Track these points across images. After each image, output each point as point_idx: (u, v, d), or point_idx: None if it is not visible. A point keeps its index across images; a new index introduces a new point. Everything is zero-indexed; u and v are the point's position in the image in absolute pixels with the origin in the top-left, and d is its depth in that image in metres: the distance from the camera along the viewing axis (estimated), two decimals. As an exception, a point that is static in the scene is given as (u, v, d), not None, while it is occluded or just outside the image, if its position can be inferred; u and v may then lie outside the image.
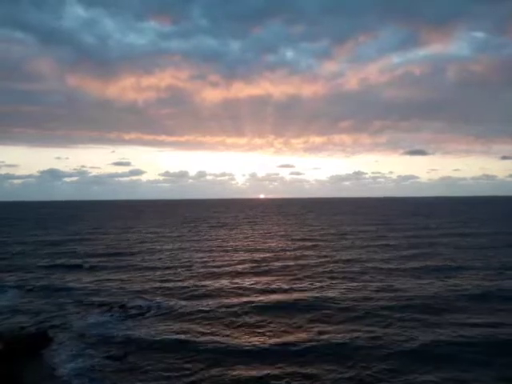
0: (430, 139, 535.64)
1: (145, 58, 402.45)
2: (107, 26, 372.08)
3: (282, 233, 38.25)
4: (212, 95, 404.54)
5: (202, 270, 18.85)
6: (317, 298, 13.73)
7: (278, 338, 10.22)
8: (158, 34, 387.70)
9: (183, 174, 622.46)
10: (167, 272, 18.61)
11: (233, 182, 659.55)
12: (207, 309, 12.70)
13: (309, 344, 9.66)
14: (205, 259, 22.36)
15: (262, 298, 13.81)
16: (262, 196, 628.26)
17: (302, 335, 10.28)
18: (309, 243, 28.77)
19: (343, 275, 17.46)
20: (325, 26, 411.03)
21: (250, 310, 12.46)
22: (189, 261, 21.49)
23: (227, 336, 10.36)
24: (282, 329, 10.89)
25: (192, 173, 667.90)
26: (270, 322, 11.38)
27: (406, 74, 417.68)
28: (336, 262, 20.66)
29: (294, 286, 15.38)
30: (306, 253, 23.71)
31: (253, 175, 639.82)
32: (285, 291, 14.82)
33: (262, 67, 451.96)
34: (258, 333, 10.54)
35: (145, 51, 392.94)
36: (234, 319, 11.69)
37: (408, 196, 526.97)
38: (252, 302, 13.28)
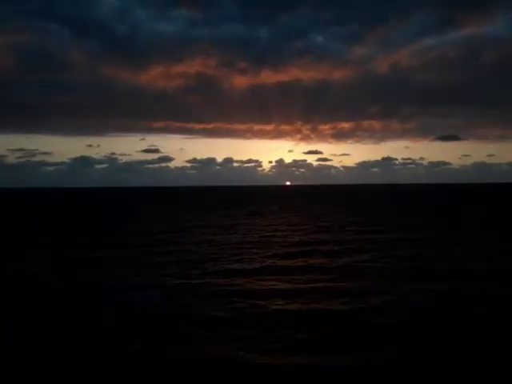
0: (462, 124, 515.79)
1: (174, 46, 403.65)
2: (138, 14, 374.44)
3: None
4: (240, 82, 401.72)
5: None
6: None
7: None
8: (188, 22, 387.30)
9: (210, 161, 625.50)
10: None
11: (259, 169, 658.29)
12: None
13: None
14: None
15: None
16: (288, 183, 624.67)
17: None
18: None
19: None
20: (355, 10, 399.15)
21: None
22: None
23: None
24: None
25: (219, 159, 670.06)
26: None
27: (440, 58, 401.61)
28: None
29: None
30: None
31: (279, 162, 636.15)
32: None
33: (290, 53, 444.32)
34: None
35: (175, 39, 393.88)
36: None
37: (439, 183, 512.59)
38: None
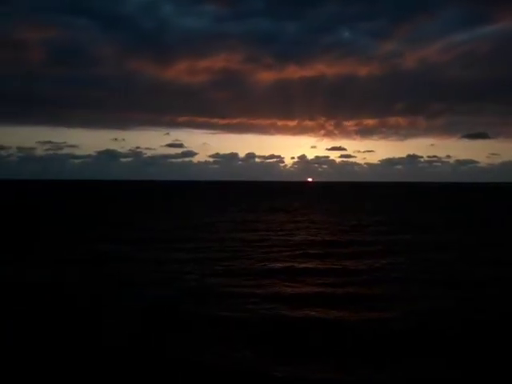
0: (492, 122, 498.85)
1: (201, 41, 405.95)
2: (166, 10, 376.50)
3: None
4: (265, 78, 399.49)
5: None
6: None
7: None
8: (215, 17, 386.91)
9: (233, 156, 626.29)
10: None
11: (281, 165, 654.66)
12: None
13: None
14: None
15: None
16: (310, 179, 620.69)
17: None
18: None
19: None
20: (383, 5, 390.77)
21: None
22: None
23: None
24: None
25: (241, 155, 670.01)
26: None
27: (469, 53, 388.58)
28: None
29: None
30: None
31: (302, 158, 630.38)
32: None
33: (316, 48, 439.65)
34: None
35: (201, 34, 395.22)
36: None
37: (465, 181, 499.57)
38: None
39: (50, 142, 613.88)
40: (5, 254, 19.31)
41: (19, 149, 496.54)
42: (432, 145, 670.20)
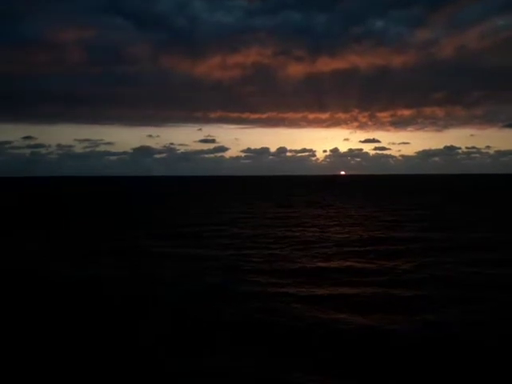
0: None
1: (232, 37, 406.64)
2: (197, 6, 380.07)
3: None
4: (296, 70, 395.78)
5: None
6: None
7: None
8: (245, 12, 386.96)
9: (264, 151, 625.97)
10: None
11: (313, 159, 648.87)
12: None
13: None
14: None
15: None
16: (342, 172, 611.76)
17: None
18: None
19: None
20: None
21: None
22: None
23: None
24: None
25: (272, 149, 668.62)
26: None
27: (511, 39, 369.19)
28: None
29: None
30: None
31: (334, 151, 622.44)
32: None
33: (348, 39, 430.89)
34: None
35: (232, 29, 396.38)
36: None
37: (506, 173, 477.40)
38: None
39: (87, 139, 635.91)
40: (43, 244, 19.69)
41: (58, 146, 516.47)
42: (471, 135, 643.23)
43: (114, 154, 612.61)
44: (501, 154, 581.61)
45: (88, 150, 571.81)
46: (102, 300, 12.10)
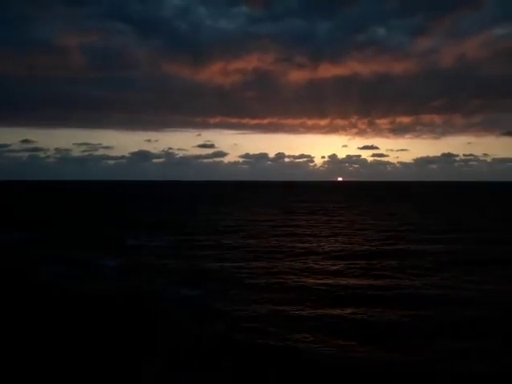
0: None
1: (234, 43, 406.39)
2: (200, 12, 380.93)
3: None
4: (297, 77, 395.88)
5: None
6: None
7: None
8: (248, 19, 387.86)
9: (262, 156, 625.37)
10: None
11: (311, 164, 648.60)
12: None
13: None
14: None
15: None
16: (340, 179, 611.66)
17: None
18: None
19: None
20: (420, 1, 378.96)
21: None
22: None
23: None
24: None
25: (271, 155, 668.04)
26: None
27: (509, 48, 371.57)
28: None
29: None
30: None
31: (332, 157, 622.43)
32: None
33: (350, 47, 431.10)
34: None
35: (234, 36, 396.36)
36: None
37: (502, 181, 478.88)
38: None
39: (86, 143, 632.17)
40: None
41: (57, 150, 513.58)
42: (469, 143, 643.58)
43: (113, 158, 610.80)
44: (498, 161, 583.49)
45: (86, 153, 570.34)
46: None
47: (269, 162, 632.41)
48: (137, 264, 18.14)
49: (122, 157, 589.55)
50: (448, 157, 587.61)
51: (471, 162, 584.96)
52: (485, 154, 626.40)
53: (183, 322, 10.98)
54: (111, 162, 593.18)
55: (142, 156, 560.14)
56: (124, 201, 74.23)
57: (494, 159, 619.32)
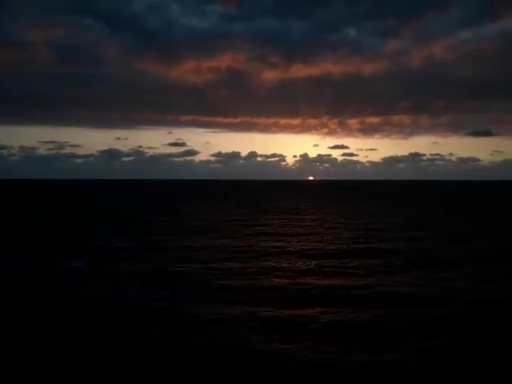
0: (496, 119, 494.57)
1: (207, 41, 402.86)
2: (173, 10, 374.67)
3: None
4: (270, 76, 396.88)
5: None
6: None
7: None
8: (222, 17, 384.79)
9: (234, 155, 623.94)
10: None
11: (283, 164, 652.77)
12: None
13: None
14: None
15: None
16: (311, 178, 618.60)
17: None
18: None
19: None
20: (391, 3, 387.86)
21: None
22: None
23: None
24: None
25: (243, 154, 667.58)
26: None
27: (476, 51, 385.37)
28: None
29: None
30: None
31: (304, 156, 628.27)
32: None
33: (323, 47, 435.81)
34: None
35: (207, 34, 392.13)
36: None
37: (467, 179, 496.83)
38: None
39: (52, 141, 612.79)
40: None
41: (21, 148, 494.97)
42: (435, 143, 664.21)
43: (80, 156, 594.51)
44: (463, 161, 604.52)
45: (53, 152, 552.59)
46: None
47: (241, 161, 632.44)
48: (103, 265, 17.48)
49: (90, 155, 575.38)
50: (415, 156, 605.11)
51: (437, 162, 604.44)
52: (450, 154, 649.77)
53: (147, 325, 10.56)
54: (79, 160, 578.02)
55: (111, 154, 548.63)
56: (91, 200, 72.27)
57: (458, 159, 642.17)
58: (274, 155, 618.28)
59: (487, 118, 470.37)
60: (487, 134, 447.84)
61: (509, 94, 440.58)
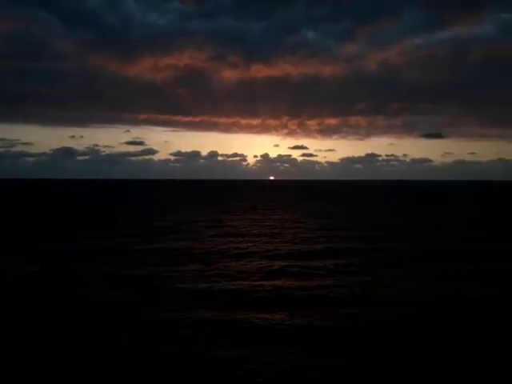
0: (447, 122, 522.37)
1: (165, 39, 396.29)
2: (130, 6, 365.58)
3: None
4: (230, 76, 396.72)
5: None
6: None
7: None
8: (181, 15, 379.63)
9: (195, 154, 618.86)
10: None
11: (244, 163, 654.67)
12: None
13: None
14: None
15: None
16: (271, 177, 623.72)
17: None
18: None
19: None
20: (348, 8, 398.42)
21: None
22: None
23: None
24: None
25: (204, 153, 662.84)
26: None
27: (427, 57, 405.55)
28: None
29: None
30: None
31: (264, 156, 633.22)
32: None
33: (282, 49, 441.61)
34: None
35: (166, 32, 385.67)
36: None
37: (420, 179, 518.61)
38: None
39: (2, 139, 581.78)
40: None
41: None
42: (390, 144, 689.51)
43: (32, 155, 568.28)
44: (416, 161, 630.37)
45: (2, 150, 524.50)
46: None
47: (201, 161, 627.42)
48: (59, 270, 16.81)
49: (43, 154, 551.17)
50: (371, 157, 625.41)
51: (392, 162, 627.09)
52: (404, 155, 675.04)
53: (104, 332, 10.29)
54: (31, 159, 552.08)
55: (65, 153, 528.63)
56: (46, 201, 69.25)
57: (412, 159, 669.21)
58: (234, 155, 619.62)
59: (438, 120, 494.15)
60: (438, 136, 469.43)
61: (457, 98, 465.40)
